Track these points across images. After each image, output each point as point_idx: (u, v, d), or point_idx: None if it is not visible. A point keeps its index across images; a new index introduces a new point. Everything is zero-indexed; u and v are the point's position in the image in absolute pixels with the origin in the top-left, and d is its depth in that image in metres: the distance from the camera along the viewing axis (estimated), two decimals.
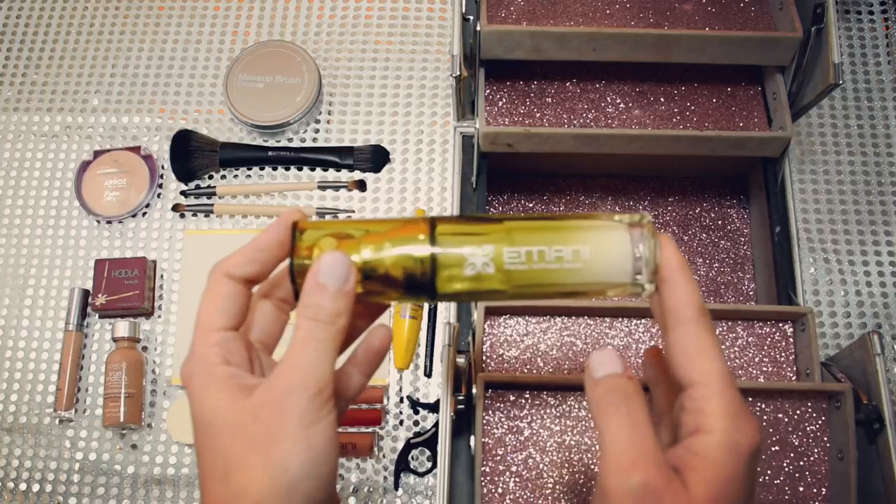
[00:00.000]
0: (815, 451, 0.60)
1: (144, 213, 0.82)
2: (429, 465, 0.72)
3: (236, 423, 0.33)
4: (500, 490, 0.58)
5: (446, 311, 0.75)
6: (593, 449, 0.59)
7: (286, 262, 0.36)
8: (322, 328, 0.33)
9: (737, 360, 0.65)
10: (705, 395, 0.32)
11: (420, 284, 0.34)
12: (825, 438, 0.60)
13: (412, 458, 0.73)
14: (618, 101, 0.73)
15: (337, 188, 0.81)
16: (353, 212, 0.81)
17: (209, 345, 0.34)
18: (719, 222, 0.79)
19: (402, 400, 0.75)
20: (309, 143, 0.83)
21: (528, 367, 0.65)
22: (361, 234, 0.35)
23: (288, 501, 0.32)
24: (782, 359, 0.65)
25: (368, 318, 0.41)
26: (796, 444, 0.60)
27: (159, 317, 0.78)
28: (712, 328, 0.34)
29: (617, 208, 0.80)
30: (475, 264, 0.34)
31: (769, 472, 0.59)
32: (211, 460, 0.33)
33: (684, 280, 0.34)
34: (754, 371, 0.65)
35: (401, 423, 0.74)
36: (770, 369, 0.65)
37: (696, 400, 0.33)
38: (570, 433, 0.59)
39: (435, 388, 0.75)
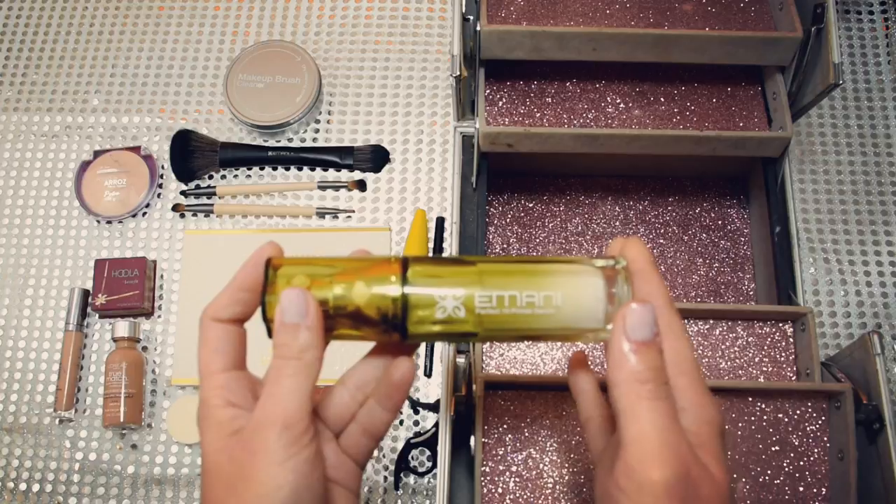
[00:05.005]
0: (815, 451, 0.60)
1: (144, 213, 0.82)
2: (429, 465, 0.72)
3: (219, 465, 0.33)
4: (500, 490, 0.58)
5: None
6: None
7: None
8: (290, 364, 0.33)
9: (737, 360, 0.65)
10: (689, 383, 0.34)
11: (391, 324, 0.34)
12: (825, 438, 0.60)
13: (412, 458, 0.73)
14: (618, 101, 0.73)
15: (337, 188, 0.81)
16: (353, 212, 0.81)
17: (212, 388, 0.35)
18: (719, 222, 0.79)
19: None
20: (309, 143, 0.83)
21: (528, 367, 0.65)
22: (335, 272, 0.35)
23: None
24: (782, 359, 0.65)
25: (392, 352, 0.39)
26: (796, 444, 0.60)
27: (159, 317, 0.78)
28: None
29: (617, 209, 0.80)
30: (446, 307, 0.34)
31: (769, 472, 0.59)
32: (203, 502, 0.34)
33: (656, 273, 0.35)
34: (754, 371, 0.65)
35: (401, 423, 0.74)
36: (770, 369, 0.65)
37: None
38: (570, 433, 0.59)
39: (435, 388, 0.75)
